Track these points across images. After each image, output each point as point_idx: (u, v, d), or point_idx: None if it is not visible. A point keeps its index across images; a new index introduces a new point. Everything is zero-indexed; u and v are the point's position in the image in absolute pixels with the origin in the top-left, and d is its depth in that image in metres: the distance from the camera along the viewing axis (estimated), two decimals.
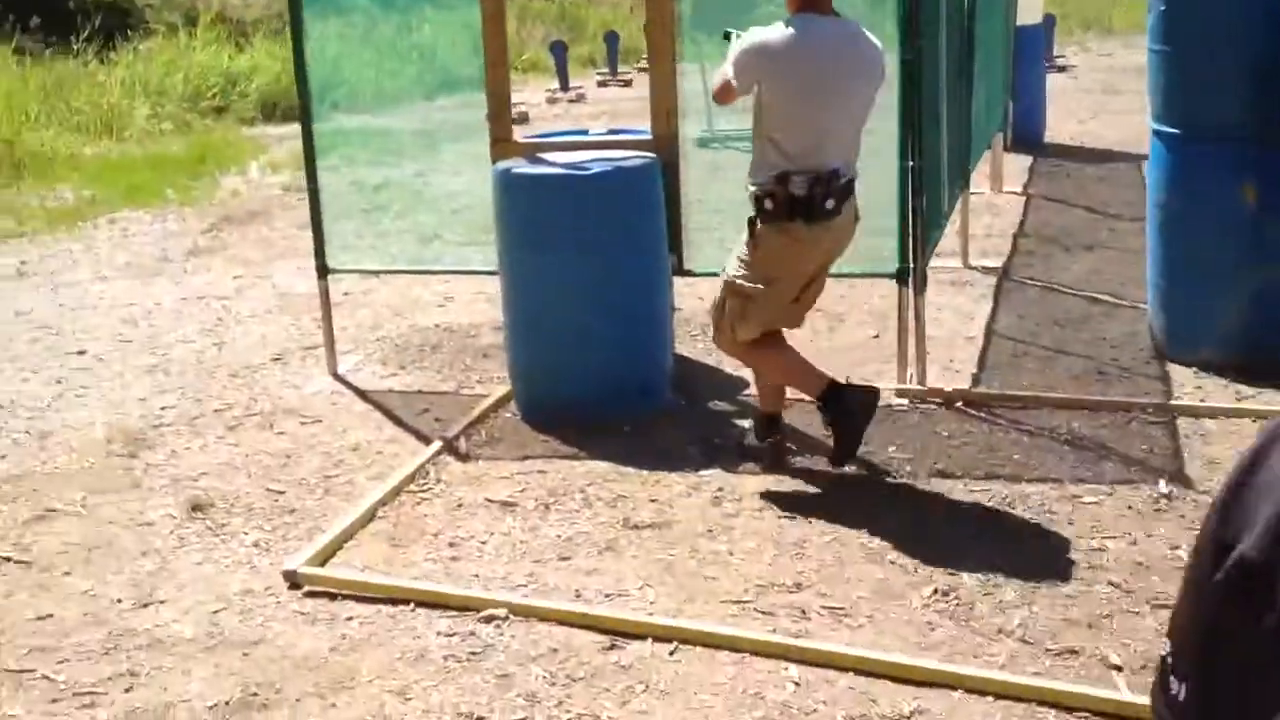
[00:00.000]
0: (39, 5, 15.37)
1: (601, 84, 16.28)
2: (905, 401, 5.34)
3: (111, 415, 5.50)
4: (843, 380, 4.63)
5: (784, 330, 4.66)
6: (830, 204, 4.31)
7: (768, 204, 4.36)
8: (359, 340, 6.47)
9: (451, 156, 11.95)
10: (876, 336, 6.33)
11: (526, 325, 5.21)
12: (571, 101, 15.14)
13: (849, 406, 4.55)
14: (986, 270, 7.40)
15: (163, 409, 5.59)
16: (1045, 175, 10.27)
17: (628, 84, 16.49)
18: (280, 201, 9.93)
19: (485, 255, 7.99)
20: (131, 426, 5.34)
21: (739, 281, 4.48)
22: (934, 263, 7.31)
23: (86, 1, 15.94)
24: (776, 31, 4.33)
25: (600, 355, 5.07)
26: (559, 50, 15.61)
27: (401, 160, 11.70)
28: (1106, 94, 14.81)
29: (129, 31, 15.23)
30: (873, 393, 4.65)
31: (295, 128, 13.91)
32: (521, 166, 5.17)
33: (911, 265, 5.31)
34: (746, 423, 4.96)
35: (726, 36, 4.96)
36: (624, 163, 5.11)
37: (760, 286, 4.45)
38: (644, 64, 17.24)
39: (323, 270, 5.89)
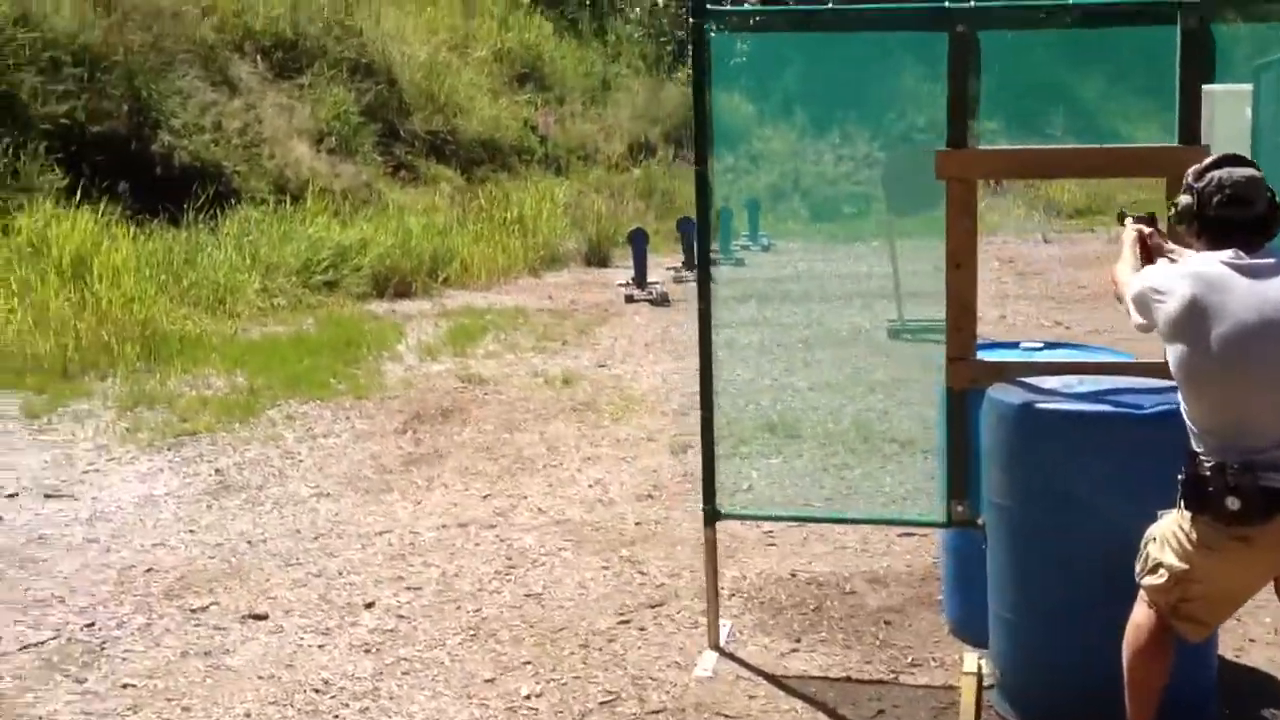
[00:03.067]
0: (125, 169, 14.35)
1: (714, 263, 15.41)
2: None
3: (470, 709, 4.26)
4: None
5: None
6: (1233, 504, 3.22)
7: (1178, 479, 3.37)
8: (700, 592, 5.26)
9: (608, 342, 10.92)
10: None
11: (1043, 604, 4.04)
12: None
13: None
14: None
15: (529, 698, 4.35)
16: None
17: (740, 262, 15.64)
18: (470, 397, 8.78)
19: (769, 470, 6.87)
20: None
21: (1146, 541, 3.56)
22: None
23: (174, 167, 14.96)
24: (1184, 275, 3.38)
25: None
26: (687, 226, 14.72)
27: (558, 344, 10.65)
28: None
29: (232, 200, 14.23)
30: None
31: (412, 304, 13.12)
32: (1045, 400, 4.05)
33: None
34: None
35: (1121, 219, 4.02)
36: (1173, 398, 4.00)
37: (1144, 566, 3.54)
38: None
39: (712, 515, 4.71)
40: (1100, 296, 13.21)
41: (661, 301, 12.80)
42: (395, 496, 6.66)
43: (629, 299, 12.78)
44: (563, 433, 7.85)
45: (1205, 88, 12.08)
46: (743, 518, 5.51)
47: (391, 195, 17.06)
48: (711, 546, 4.72)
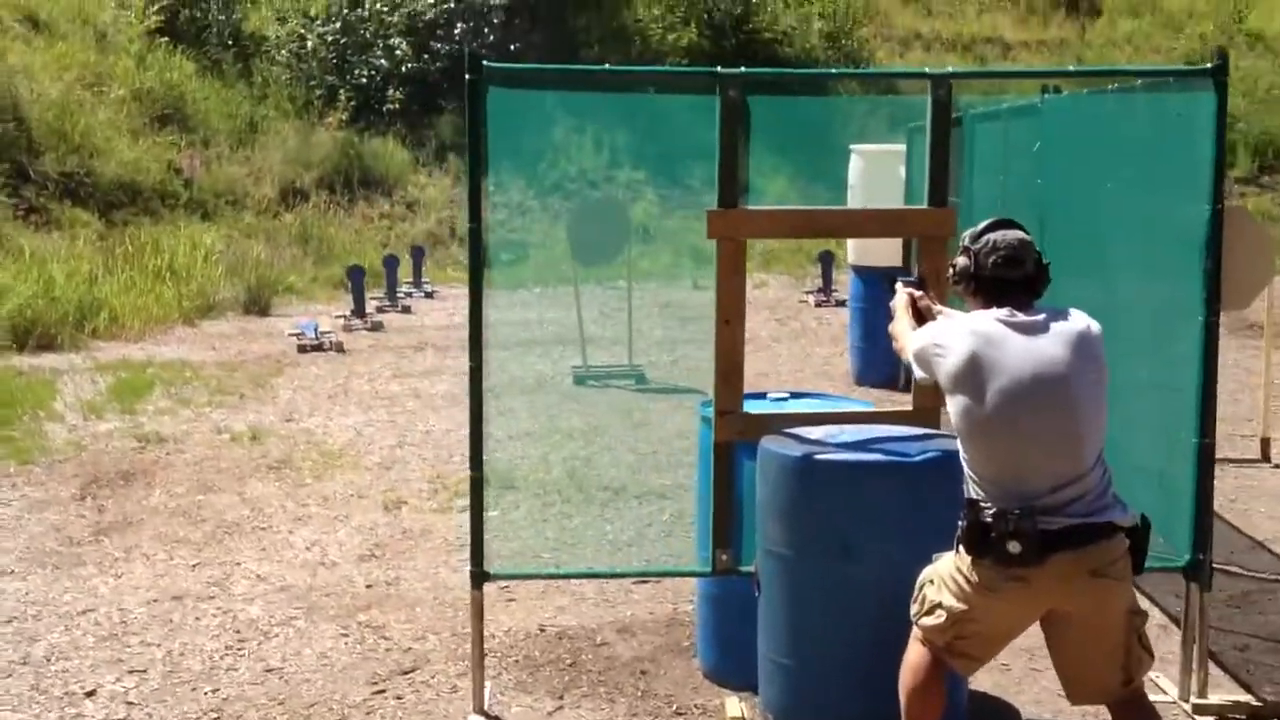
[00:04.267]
0: None
1: (381, 309, 15.02)
2: None
3: None
4: None
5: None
6: (1015, 548, 3.41)
7: (959, 523, 3.57)
8: (451, 654, 5.11)
9: (288, 394, 10.48)
10: None
11: (822, 647, 4.13)
12: (370, 329, 13.83)
13: None
14: None
15: None
16: None
17: (407, 310, 15.39)
18: (152, 457, 8.19)
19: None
20: None
21: (921, 583, 3.71)
22: None
23: None
24: (962, 331, 3.60)
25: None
26: (357, 275, 14.30)
27: (236, 398, 10.13)
28: None
29: None
30: None
31: (60, 358, 12.14)
32: (822, 452, 4.15)
33: (1203, 557, 4.62)
34: None
35: (892, 283, 4.28)
36: (936, 445, 4.20)
37: (921, 608, 3.69)
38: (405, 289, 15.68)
39: (480, 577, 4.56)
40: (755, 340, 13.85)
41: (376, 328, 12.50)
42: (91, 570, 6.12)
43: (302, 349, 12.29)
44: (264, 492, 7.45)
45: (856, 147, 12.86)
46: (513, 577, 5.38)
47: (23, 240, 15.80)
48: (478, 609, 4.58)
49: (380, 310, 15.02)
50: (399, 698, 4.73)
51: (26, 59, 19.19)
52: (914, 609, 3.73)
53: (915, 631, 3.75)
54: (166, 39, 21.17)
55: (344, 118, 21.17)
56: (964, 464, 3.61)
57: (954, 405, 3.58)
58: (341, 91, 21.48)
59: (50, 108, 18.55)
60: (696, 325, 14.35)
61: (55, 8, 20.94)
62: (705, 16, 23.91)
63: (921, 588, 3.73)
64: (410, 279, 16.85)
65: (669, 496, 7.14)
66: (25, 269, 13.91)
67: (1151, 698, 4.60)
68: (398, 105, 21.54)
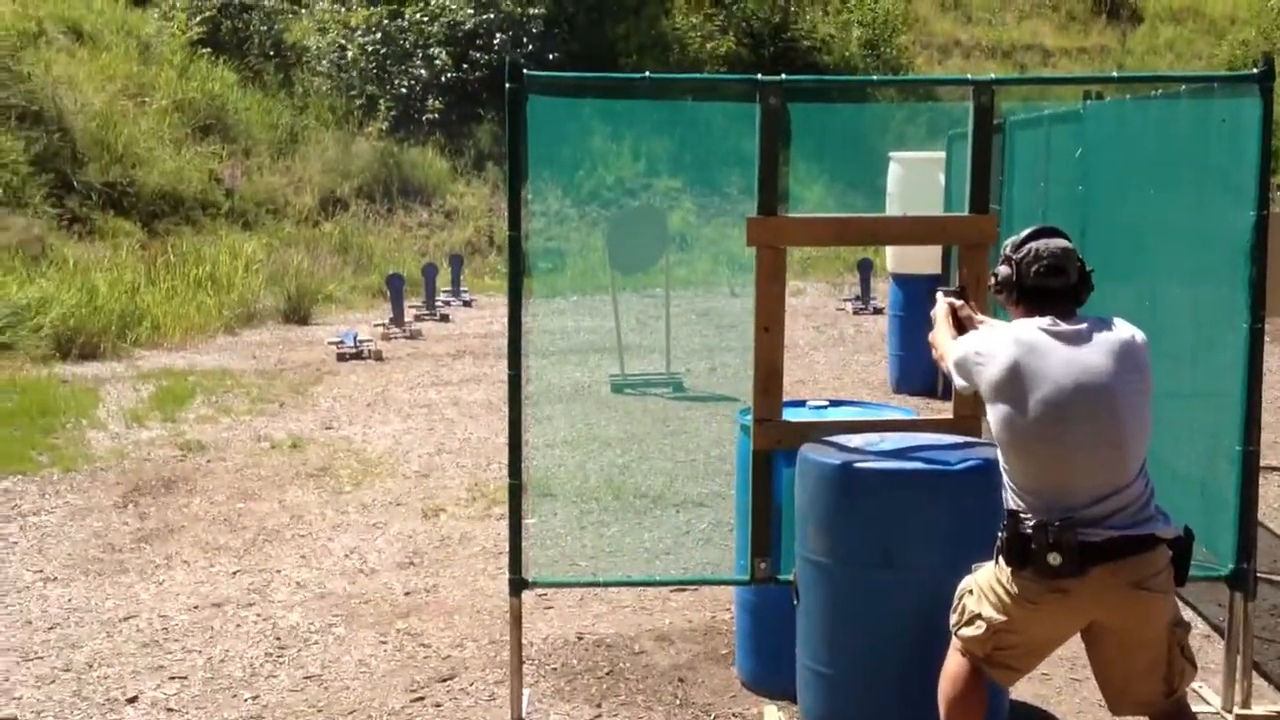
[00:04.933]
0: None
1: (419, 317, 15.11)
2: None
3: None
4: None
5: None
6: (1055, 560, 3.37)
7: (999, 535, 3.53)
8: (489, 661, 5.11)
9: (327, 402, 10.53)
10: None
11: (861, 657, 4.11)
12: (409, 338, 13.89)
13: None
14: None
15: None
16: None
17: (445, 318, 15.45)
18: (193, 465, 8.25)
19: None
20: None
21: (961, 593, 3.69)
22: None
23: None
24: (1004, 340, 3.55)
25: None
26: (396, 283, 14.37)
27: (276, 406, 10.19)
28: None
29: None
30: None
31: (103, 366, 12.26)
32: (864, 460, 4.12)
33: (1247, 566, 4.56)
34: None
35: (933, 293, 4.24)
36: (976, 454, 4.16)
37: (961, 618, 3.66)
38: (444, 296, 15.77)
39: (519, 585, 4.55)
40: (793, 348, 13.81)
41: (414, 336, 12.86)
42: (133, 577, 6.17)
43: (341, 357, 12.36)
44: (303, 500, 7.49)
45: (895, 155, 12.83)
46: (551, 585, 5.38)
47: (66, 250, 15.97)
48: (516, 616, 4.57)
49: (419, 318, 15.10)
50: (437, 705, 4.73)
51: (70, 70, 19.40)
52: (954, 619, 3.70)
53: (955, 641, 3.72)
54: (208, 50, 21.36)
55: (383, 127, 21.29)
56: (1004, 474, 3.58)
57: (995, 415, 3.55)
58: (381, 101, 21.61)
59: (94, 118, 18.74)
60: (734, 333, 14.39)
61: (99, 19, 21.16)
62: (744, 25, 23.95)
63: (961, 598, 3.70)
64: (449, 287, 16.92)
65: (707, 505, 7.13)
66: (69, 278, 14.04)
67: (1194, 708, 4.55)
68: (437, 115, 21.65)
